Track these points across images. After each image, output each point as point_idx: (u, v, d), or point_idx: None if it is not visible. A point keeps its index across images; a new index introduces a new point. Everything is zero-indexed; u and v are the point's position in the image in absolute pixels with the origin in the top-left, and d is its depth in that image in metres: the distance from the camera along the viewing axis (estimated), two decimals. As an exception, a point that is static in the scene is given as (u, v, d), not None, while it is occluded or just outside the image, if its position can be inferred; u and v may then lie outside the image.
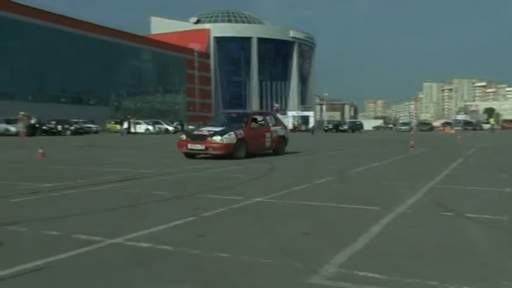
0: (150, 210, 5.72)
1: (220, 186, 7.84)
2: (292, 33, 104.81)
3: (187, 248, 3.87)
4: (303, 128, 66.15)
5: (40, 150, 13.71)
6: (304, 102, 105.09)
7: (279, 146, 15.55)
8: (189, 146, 13.62)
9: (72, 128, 42.74)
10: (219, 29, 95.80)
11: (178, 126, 54.20)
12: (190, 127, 60.18)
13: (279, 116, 20.73)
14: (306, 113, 77.50)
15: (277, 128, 15.69)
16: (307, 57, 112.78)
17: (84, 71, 62.17)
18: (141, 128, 48.70)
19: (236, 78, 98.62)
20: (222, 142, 13.28)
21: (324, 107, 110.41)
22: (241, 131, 13.88)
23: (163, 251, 3.80)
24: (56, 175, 9.30)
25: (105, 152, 18.20)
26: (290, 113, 77.14)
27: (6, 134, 36.18)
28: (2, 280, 3.05)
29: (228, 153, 13.26)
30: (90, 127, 46.96)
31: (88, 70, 62.88)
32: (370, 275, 3.19)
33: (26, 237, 4.27)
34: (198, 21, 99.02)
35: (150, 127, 50.08)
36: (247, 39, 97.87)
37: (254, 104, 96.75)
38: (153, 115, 64.32)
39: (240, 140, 13.61)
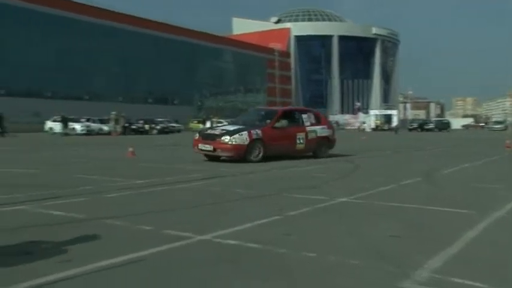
0: (235, 208, 5.82)
1: (304, 186, 7.80)
2: (374, 30, 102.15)
3: (273, 246, 3.89)
4: (386, 127, 64.29)
5: (130, 149, 14.43)
6: (387, 100, 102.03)
7: (319, 148, 13.75)
8: (200, 146, 12.45)
9: (158, 127, 44.49)
10: (299, 28, 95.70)
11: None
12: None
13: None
14: (388, 112, 75.17)
15: (317, 128, 13.77)
16: (390, 54, 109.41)
17: (169, 72, 64.86)
18: (225, 126, 49.63)
19: (317, 77, 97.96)
20: (230, 143, 11.84)
21: (408, 105, 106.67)
22: (259, 131, 12.29)
23: (250, 249, 3.85)
24: (145, 173, 9.74)
25: (189, 150, 18.76)
26: (372, 112, 75.20)
27: (99, 133, 38.57)
28: (102, 270, 3.24)
29: (239, 156, 11.85)
30: (174, 126, 48.62)
31: (173, 71, 65.45)
32: (468, 282, 3.01)
33: (123, 231, 4.50)
34: (278, 21, 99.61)
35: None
36: (328, 38, 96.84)
37: (335, 103, 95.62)
38: (235, 114, 65.33)
39: (255, 141, 12.08)
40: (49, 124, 39.42)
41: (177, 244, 3.99)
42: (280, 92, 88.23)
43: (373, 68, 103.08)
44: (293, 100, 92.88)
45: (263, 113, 14.49)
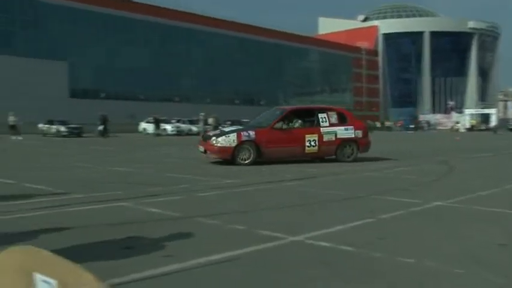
0: (326, 210, 5.78)
1: (395, 188, 7.58)
2: (471, 24, 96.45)
3: (368, 250, 3.82)
4: (483, 127, 60.65)
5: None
6: (484, 98, 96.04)
7: (341, 151, 12.35)
8: (199, 147, 12.40)
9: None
10: (387, 26, 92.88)
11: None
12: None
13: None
14: (486, 111, 70.82)
15: (338, 128, 12.34)
16: (489, 49, 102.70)
17: (255, 73, 66.06)
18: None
19: (406, 75, 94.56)
20: (217, 145, 11.49)
21: (509, 104, 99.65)
22: (252, 132, 11.62)
23: (344, 252, 3.80)
24: (235, 172, 9.96)
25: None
26: (467, 111, 71.25)
27: (189, 133, 40.08)
28: (200, 267, 3.37)
29: (225, 158, 11.50)
30: None
31: (259, 72, 66.56)
32: None
33: (217, 230, 4.64)
34: (366, 19, 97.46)
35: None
36: (419, 34, 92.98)
37: (426, 102, 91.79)
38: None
39: (245, 143, 11.46)
40: (143, 125, 41.72)
41: (269, 244, 4.04)
42: (367, 92, 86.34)
43: (469, 64, 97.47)
44: (380, 99, 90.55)
45: (278, 112, 13.04)
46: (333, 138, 12.23)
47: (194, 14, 59.25)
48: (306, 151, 12.03)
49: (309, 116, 12.65)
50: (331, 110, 13.04)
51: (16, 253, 1.11)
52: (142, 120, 42.18)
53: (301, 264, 3.48)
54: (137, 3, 53.59)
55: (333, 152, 12.37)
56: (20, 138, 28.56)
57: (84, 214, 5.37)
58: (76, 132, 33.98)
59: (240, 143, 11.42)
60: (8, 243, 3.92)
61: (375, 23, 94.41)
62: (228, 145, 11.36)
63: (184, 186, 7.65)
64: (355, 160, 12.33)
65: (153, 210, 5.52)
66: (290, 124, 12.29)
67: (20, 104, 38.05)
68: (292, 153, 12.01)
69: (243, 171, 10.25)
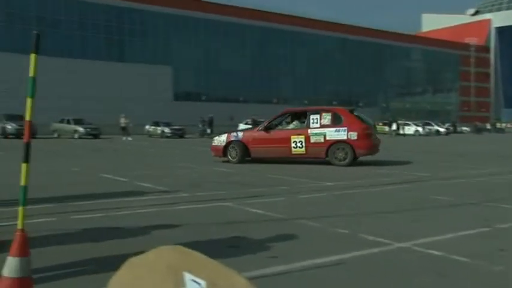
0: (435, 216, 5.49)
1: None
2: None
3: (486, 262, 3.56)
4: None
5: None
6: None
7: (332, 154, 11.73)
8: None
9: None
10: (502, 18, 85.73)
11: (450, 128, 51.24)
12: (465, 128, 56.29)
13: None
14: None
15: (328, 130, 11.82)
16: None
17: (354, 74, 64.90)
18: (410, 129, 47.82)
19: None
20: (212, 144, 13.30)
21: None
22: (240, 133, 12.99)
23: (459, 262, 3.57)
24: (336, 174, 9.83)
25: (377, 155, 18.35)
26: None
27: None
28: (306, 270, 3.35)
29: (219, 156, 12.86)
30: None
31: (358, 73, 65.36)
32: None
33: (320, 232, 4.60)
34: (476, 13, 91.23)
35: (420, 128, 48.66)
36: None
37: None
38: (423, 116, 62.58)
39: (233, 143, 12.62)
40: (241, 126, 42.85)
41: (375, 250, 3.93)
42: (476, 91, 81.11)
43: None
44: (491, 99, 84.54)
45: (278, 114, 13.37)
46: (322, 140, 11.85)
47: (295, 16, 59.63)
48: (293, 152, 12.11)
49: (303, 118, 12.64)
50: (327, 111, 12.53)
51: (166, 252, 1.15)
52: (241, 122, 43.36)
53: (411, 272, 3.34)
54: (238, 7, 54.97)
55: (323, 154, 11.90)
56: (130, 139, 30.54)
57: (191, 212, 5.60)
58: (179, 134, 35.66)
59: (229, 143, 12.68)
60: (122, 237, 4.21)
61: (487, 16, 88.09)
62: (219, 144, 12.92)
63: (285, 187, 7.69)
64: (352, 164, 11.53)
65: (256, 211, 5.60)
66: (284, 125, 12.86)
67: (129, 107, 40.97)
68: (278, 154, 12.42)
69: (343, 173, 10.09)
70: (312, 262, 3.50)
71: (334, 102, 62.84)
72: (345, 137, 11.74)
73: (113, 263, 2.80)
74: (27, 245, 2.63)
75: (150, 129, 37.33)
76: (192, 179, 8.85)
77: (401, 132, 45.59)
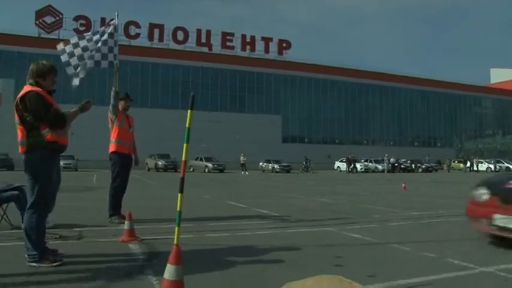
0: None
1: None
2: None
3: None
4: None
5: (403, 184, 14.04)
6: None
7: None
8: (499, 217, 4.58)
9: (423, 166, 42.63)
10: None
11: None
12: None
13: None
14: None
15: None
16: None
17: (433, 120, 62.34)
18: (483, 166, 44.49)
19: None
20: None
21: None
22: None
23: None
24: (420, 205, 9.28)
25: (450, 187, 17.03)
26: None
27: (374, 171, 39.00)
28: None
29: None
30: (437, 165, 46.29)
31: (436, 119, 62.69)
32: None
33: (411, 255, 4.37)
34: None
35: (491, 165, 44.79)
36: None
37: None
38: (494, 155, 58.21)
39: None
40: (337, 164, 42.35)
41: (461, 273, 3.65)
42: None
43: None
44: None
45: None
46: None
47: (382, 73, 58.56)
48: None
49: None
50: None
51: (326, 280, 1.07)
52: (336, 160, 43.11)
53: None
54: (334, 67, 55.29)
55: None
56: (247, 173, 31.48)
57: (300, 235, 5.56)
58: (286, 169, 36.02)
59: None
60: (237, 255, 4.24)
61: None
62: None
63: (377, 216, 7.42)
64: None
65: (354, 235, 5.48)
66: None
67: (247, 147, 42.43)
68: None
69: (426, 204, 9.47)
70: (406, 282, 3.34)
71: (415, 143, 60.27)
72: None
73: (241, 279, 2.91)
74: (181, 256, 2.78)
75: (263, 166, 38.19)
76: (299, 207, 8.82)
77: (475, 168, 42.58)
